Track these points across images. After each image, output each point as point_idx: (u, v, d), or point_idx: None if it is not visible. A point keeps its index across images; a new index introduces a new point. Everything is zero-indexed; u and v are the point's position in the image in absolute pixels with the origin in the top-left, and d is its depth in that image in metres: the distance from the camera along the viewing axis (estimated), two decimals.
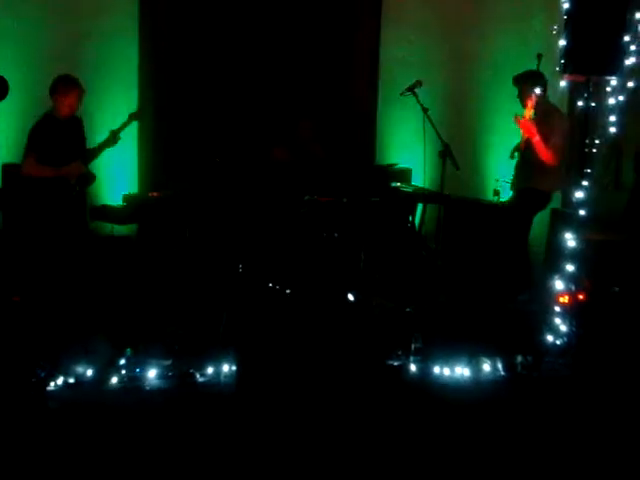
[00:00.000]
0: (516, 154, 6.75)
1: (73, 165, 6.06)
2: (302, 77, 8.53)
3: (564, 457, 4.35)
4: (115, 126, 6.31)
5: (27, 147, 6.05)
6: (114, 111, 6.89)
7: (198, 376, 5.16)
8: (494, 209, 7.01)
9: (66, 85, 5.98)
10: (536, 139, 6.33)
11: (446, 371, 5.41)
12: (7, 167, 7.11)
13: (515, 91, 6.59)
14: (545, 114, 6.47)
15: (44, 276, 6.55)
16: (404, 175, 8.06)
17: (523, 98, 6.51)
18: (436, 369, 5.42)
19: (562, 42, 5.78)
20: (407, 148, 8.16)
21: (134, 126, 6.56)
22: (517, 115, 6.41)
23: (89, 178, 6.29)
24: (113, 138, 6.28)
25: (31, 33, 7.55)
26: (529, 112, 6.40)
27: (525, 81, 6.52)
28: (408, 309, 6.22)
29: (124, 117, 6.37)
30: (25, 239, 6.79)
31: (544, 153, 6.36)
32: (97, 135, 6.49)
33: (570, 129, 6.54)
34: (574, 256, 5.88)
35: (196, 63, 8.36)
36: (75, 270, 6.10)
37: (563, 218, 6.94)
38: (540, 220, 7.35)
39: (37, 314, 5.10)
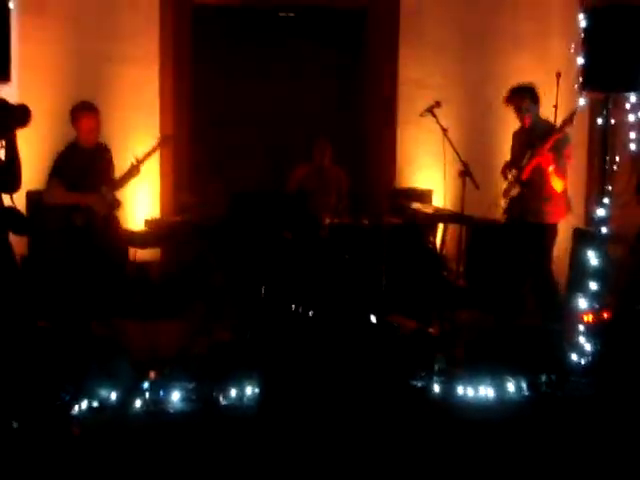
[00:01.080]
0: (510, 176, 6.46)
1: (94, 196, 6.00)
2: (320, 100, 8.59)
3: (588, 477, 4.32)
4: (137, 153, 6.31)
5: (49, 174, 6.09)
6: (135, 135, 6.95)
7: (221, 399, 5.16)
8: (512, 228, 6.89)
9: (81, 110, 6.01)
10: (551, 169, 6.12)
11: (470, 391, 5.39)
12: (31, 193, 7.18)
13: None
14: (546, 135, 6.22)
15: (69, 301, 6.59)
16: (424, 196, 8.06)
17: (522, 113, 6.31)
18: (460, 389, 5.40)
19: (580, 60, 5.77)
20: (427, 169, 8.17)
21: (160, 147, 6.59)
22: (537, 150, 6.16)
23: (114, 204, 6.29)
24: (136, 168, 6.27)
25: (52, 58, 7.67)
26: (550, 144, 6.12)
27: (524, 95, 6.29)
28: (430, 330, 6.20)
29: (145, 141, 6.39)
30: (49, 265, 6.85)
31: (556, 182, 6.17)
32: (117, 160, 6.53)
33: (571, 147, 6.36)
34: (597, 274, 5.85)
35: (217, 87, 8.46)
36: (100, 294, 6.13)
37: (585, 236, 6.90)
38: (563, 239, 7.33)
39: (62, 338, 5.12)
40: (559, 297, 6.60)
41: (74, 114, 6.03)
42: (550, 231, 6.40)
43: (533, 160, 6.22)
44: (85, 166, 6.01)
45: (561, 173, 6.21)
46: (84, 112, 6.01)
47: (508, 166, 6.53)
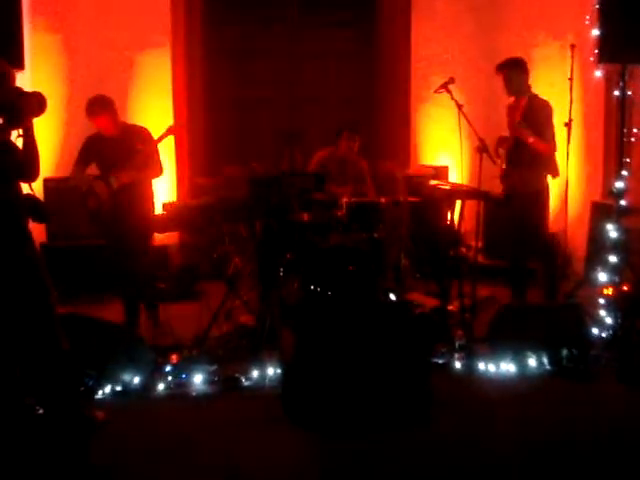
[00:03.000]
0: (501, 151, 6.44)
1: (98, 181, 6.02)
2: (335, 81, 8.58)
3: (608, 449, 4.32)
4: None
5: None
6: (150, 121, 6.93)
7: (243, 380, 5.19)
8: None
9: (88, 114, 5.97)
10: (531, 140, 6.15)
11: (491, 367, 5.39)
12: (48, 181, 7.24)
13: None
14: (535, 106, 6.28)
15: (88, 285, 6.63)
16: (441, 173, 8.05)
17: (510, 86, 6.32)
18: (481, 365, 5.40)
19: (595, 32, 5.73)
20: (443, 146, 8.16)
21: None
22: (518, 122, 6.25)
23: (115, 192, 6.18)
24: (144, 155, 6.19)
25: (65, 46, 7.69)
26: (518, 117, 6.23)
27: (512, 67, 6.29)
28: (450, 306, 6.21)
29: (160, 127, 6.37)
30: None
31: (543, 148, 6.17)
32: None
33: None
34: (616, 247, 5.83)
35: (231, 70, 8.47)
36: (117, 278, 6.18)
37: (603, 209, 6.87)
38: (581, 212, 7.30)
39: (84, 323, 5.16)
40: (563, 263, 6.58)
41: (86, 110, 6.01)
42: (534, 197, 6.36)
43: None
44: (106, 153, 6.02)
45: (546, 139, 6.19)
46: (91, 116, 5.96)
47: (503, 141, 6.48)
